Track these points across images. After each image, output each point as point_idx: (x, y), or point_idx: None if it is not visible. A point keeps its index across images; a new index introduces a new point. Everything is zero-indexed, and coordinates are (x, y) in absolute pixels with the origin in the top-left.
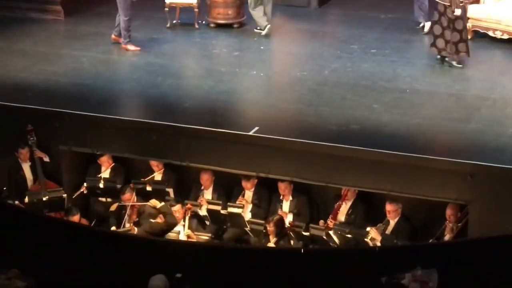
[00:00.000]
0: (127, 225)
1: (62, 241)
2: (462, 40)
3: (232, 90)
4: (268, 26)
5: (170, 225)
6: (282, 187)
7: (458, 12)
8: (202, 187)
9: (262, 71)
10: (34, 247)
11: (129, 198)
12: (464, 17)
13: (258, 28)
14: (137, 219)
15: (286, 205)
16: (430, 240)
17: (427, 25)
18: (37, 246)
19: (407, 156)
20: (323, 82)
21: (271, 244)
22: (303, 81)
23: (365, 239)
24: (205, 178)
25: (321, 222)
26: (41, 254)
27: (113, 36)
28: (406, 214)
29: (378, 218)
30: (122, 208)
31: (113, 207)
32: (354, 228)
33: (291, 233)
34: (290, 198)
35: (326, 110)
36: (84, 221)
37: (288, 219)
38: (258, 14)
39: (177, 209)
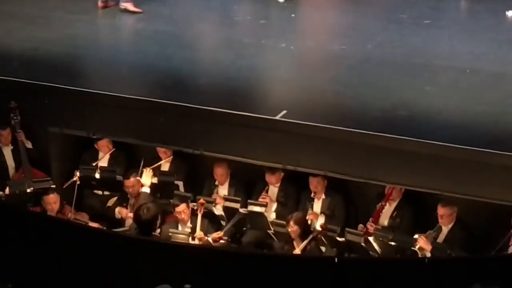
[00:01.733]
0: (129, 221)
1: (48, 241)
2: None
3: (256, 66)
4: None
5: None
6: (314, 183)
7: None
8: (216, 182)
9: (292, 44)
10: (14, 248)
11: (134, 184)
12: None
13: None
14: None
15: (317, 205)
16: (492, 252)
17: None
18: (18, 247)
19: (466, 149)
20: (365, 58)
21: (298, 250)
22: (342, 58)
23: (412, 248)
24: (220, 173)
25: (360, 226)
26: (23, 256)
27: (99, 3)
28: (462, 219)
29: (428, 223)
30: (123, 200)
31: (110, 202)
32: (399, 234)
33: (322, 238)
34: (323, 196)
35: (368, 92)
36: (67, 208)
37: (320, 221)
38: None
39: (181, 209)
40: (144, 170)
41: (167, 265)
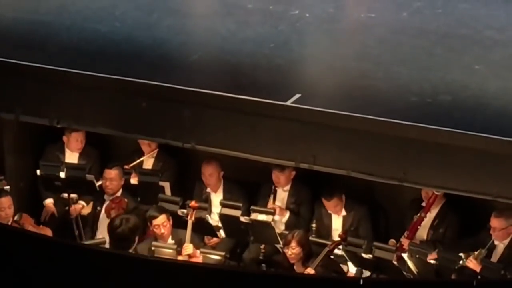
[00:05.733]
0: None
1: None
2: None
3: (263, 37)
4: None
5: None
6: (331, 207)
7: None
8: (208, 189)
9: (308, 10)
10: None
11: (115, 177)
12: None
13: None
14: None
15: (337, 222)
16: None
17: None
18: None
19: None
20: (399, 29)
21: (310, 270)
22: (370, 27)
23: (457, 268)
24: (208, 172)
25: (391, 241)
26: None
27: None
28: None
29: (480, 235)
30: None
31: (86, 210)
32: (442, 249)
33: (344, 253)
34: (344, 213)
35: (403, 71)
36: (26, 219)
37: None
38: None
39: (160, 222)
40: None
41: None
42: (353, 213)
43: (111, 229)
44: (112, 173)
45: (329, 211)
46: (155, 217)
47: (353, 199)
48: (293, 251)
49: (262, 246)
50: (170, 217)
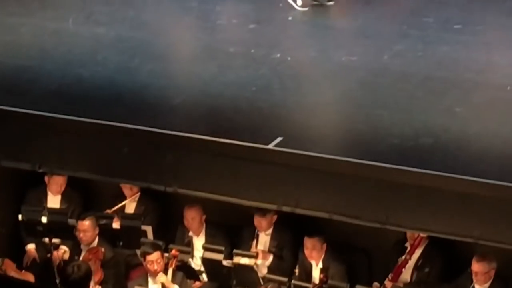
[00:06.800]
0: None
1: None
2: None
3: (245, 81)
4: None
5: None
6: (309, 246)
7: None
8: (190, 233)
9: (289, 53)
10: None
11: (88, 229)
12: None
13: None
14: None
15: (316, 271)
16: None
17: None
18: None
19: (508, 187)
20: (380, 72)
21: None
22: (351, 71)
23: None
24: (191, 216)
25: (375, 285)
26: None
27: None
28: (503, 276)
29: (459, 280)
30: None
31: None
32: None
33: None
34: (321, 265)
35: (384, 114)
36: (8, 264)
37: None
38: None
39: (154, 258)
40: None
41: None
42: (329, 270)
43: (63, 277)
44: (85, 225)
45: (306, 254)
46: (149, 254)
47: (334, 254)
48: None
49: None
50: (164, 254)
